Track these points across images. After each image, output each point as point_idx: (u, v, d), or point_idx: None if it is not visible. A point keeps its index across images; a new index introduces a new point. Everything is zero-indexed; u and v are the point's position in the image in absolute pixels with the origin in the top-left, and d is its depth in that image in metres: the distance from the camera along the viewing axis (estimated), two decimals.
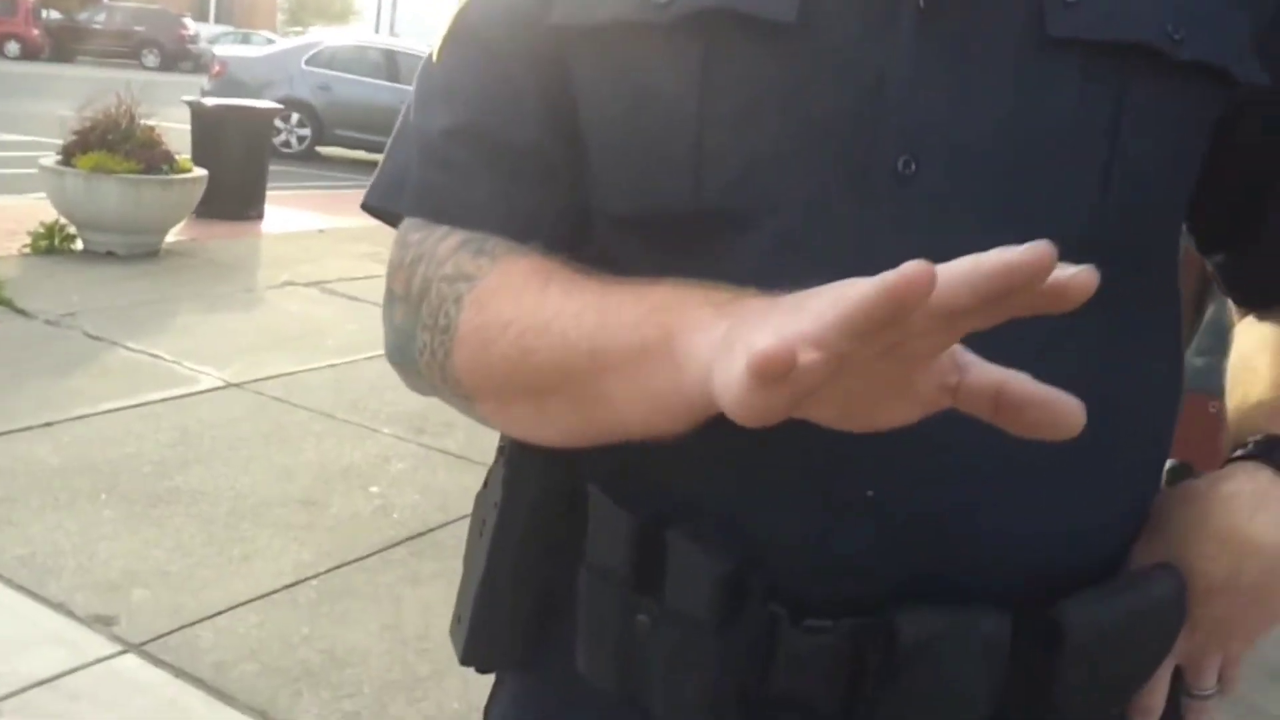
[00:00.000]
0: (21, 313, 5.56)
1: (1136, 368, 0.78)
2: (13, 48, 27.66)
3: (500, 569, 0.84)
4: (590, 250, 0.78)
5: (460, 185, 0.79)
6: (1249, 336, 0.92)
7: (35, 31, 28.31)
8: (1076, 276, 0.52)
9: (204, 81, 14.30)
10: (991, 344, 0.70)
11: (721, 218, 0.72)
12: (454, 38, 0.82)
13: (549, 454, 0.78)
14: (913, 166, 0.70)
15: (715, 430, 0.67)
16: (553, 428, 0.75)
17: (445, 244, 0.78)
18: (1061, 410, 0.54)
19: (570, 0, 0.76)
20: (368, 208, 0.84)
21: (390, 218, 0.83)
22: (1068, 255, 0.70)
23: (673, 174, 0.73)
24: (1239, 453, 0.81)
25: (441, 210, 0.79)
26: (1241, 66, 0.75)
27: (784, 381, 0.50)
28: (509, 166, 0.79)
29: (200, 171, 7.31)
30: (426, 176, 0.80)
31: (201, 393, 4.69)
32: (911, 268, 0.47)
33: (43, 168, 6.93)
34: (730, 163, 0.72)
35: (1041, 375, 0.71)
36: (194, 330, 5.54)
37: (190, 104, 8.51)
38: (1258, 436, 0.81)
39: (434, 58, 0.83)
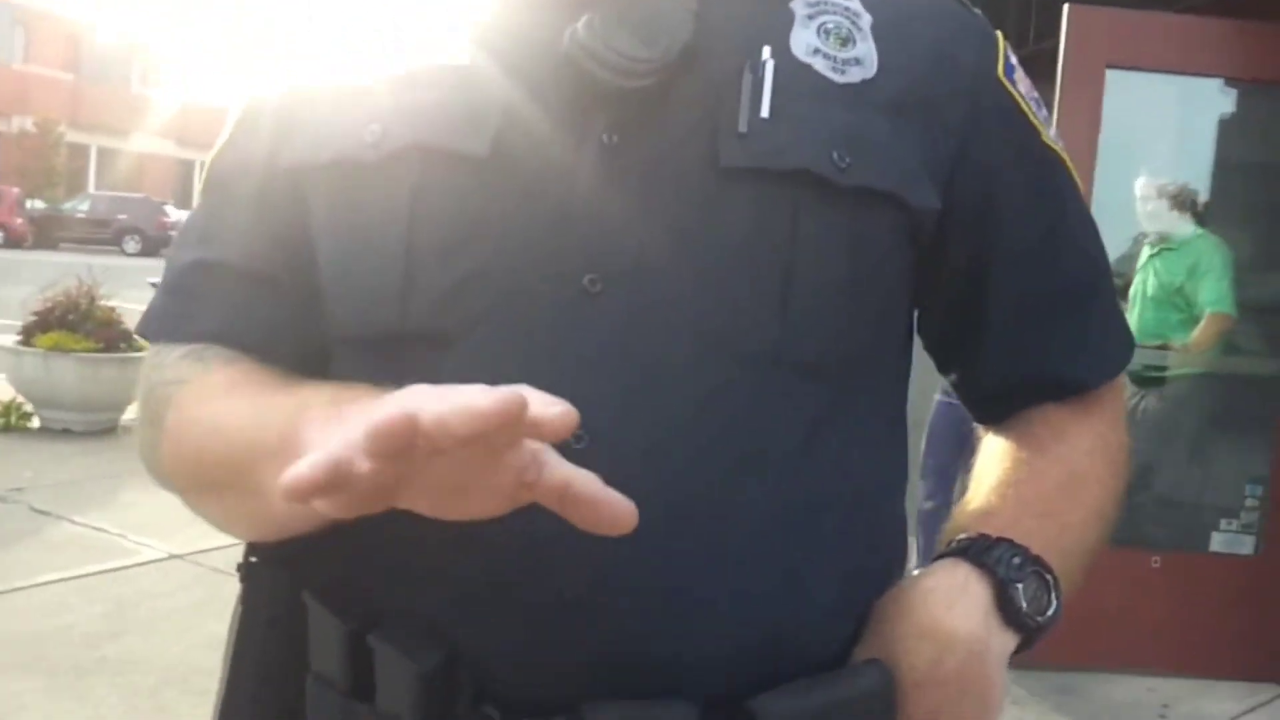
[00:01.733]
0: None
1: (839, 479, 0.82)
2: None
3: (239, 682, 0.87)
4: (330, 373, 0.84)
5: (192, 309, 0.87)
6: (983, 454, 0.97)
7: (19, 221, 28.86)
8: (559, 416, 0.58)
9: None
10: (693, 448, 0.78)
11: (425, 339, 0.78)
12: (206, 185, 0.91)
13: (276, 567, 0.83)
14: (599, 285, 0.76)
15: (414, 537, 0.72)
16: (234, 519, 0.81)
17: (173, 354, 0.86)
18: (614, 509, 0.60)
19: (300, 142, 0.84)
20: (137, 335, 0.93)
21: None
22: (757, 369, 0.78)
23: (383, 299, 0.79)
24: (941, 551, 0.85)
25: (174, 331, 0.87)
26: (912, 192, 0.82)
27: (335, 489, 0.56)
28: (240, 294, 0.86)
29: None
30: (166, 303, 0.89)
31: (142, 564, 4.69)
32: (390, 417, 0.54)
33: (0, 348, 7.03)
34: (433, 288, 0.78)
35: (736, 486, 0.79)
36: (142, 505, 5.52)
37: (155, 285, 8.65)
38: (962, 535, 0.85)
39: (197, 202, 0.92)
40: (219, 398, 0.80)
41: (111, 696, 3.43)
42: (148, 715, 3.34)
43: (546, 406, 0.58)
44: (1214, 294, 4.21)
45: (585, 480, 0.60)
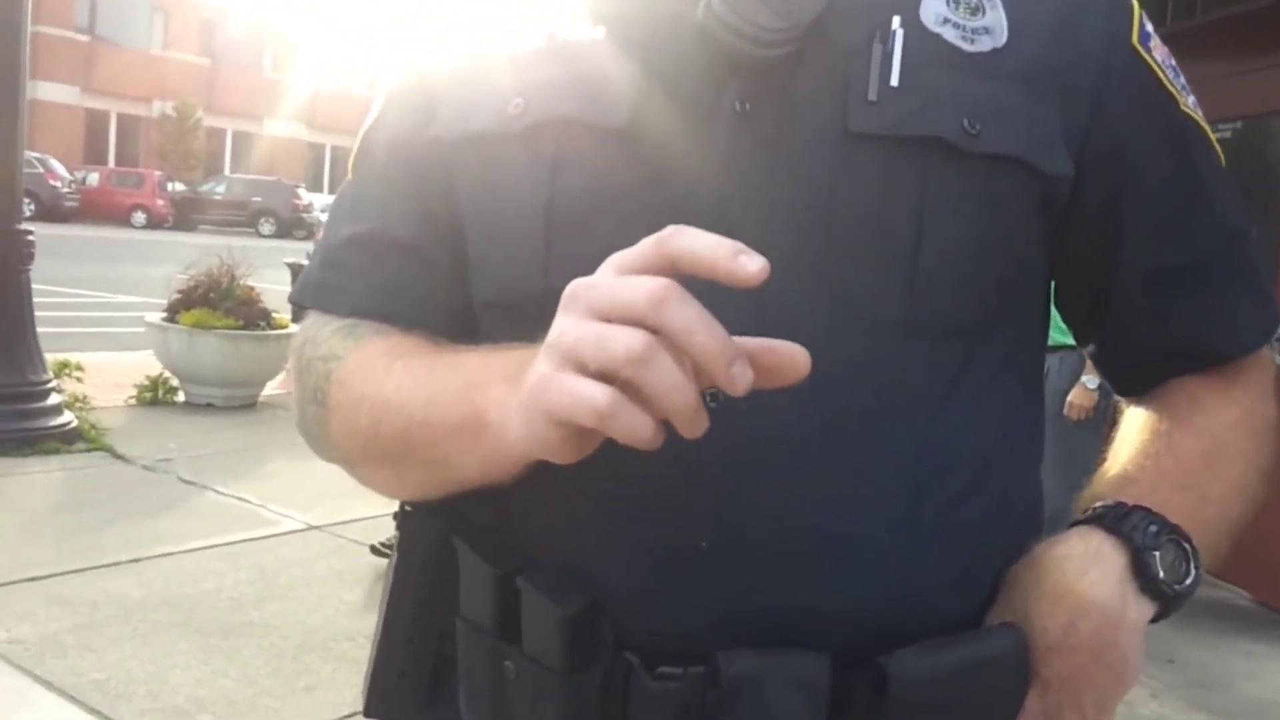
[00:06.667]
0: (121, 458, 5.86)
1: (970, 440, 0.83)
2: (139, 217, 29.33)
3: (395, 624, 0.91)
4: (474, 337, 0.88)
5: (346, 281, 0.92)
6: (1124, 425, 0.97)
7: (160, 202, 29.97)
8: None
9: (310, 246, 15.05)
10: (825, 410, 0.80)
11: None
12: (358, 159, 0.96)
13: (432, 516, 0.88)
14: None
15: (561, 488, 0.77)
16: (412, 484, 0.86)
17: (326, 329, 0.91)
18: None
19: (447, 116, 0.89)
20: (290, 301, 0.99)
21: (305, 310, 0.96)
22: (887, 332, 0.81)
23: (527, 264, 0.84)
24: (1077, 518, 0.86)
25: (329, 303, 0.93)
26: (1043, 158, 0.82)
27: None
28: (390, 266, 0.91)
29: (296, 328, 7.62)
30: (323, 277, 0.94)
31: (283, 534, 4.87)
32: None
33: (149, 324, 7.33)
34: (575, 252, 0.80)
35: (871, 442, 0.80)
36: (282, 477, 5.74)
37: (290, 265, 8.92)
38: (1098, 503, 0.86)
39: (349, 176, 0.97)
40: (381, 373, 0.84)
41: (257, 658, 3.58)
42: (291, 677, 3.48)
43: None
44: None
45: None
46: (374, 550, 4.40)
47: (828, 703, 0.76)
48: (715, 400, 0.74)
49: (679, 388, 0.63)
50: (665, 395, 0.63)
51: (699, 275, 0.64)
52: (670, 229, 0.65)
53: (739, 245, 0.64)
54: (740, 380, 0.63)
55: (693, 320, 0.63)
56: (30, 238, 6.04)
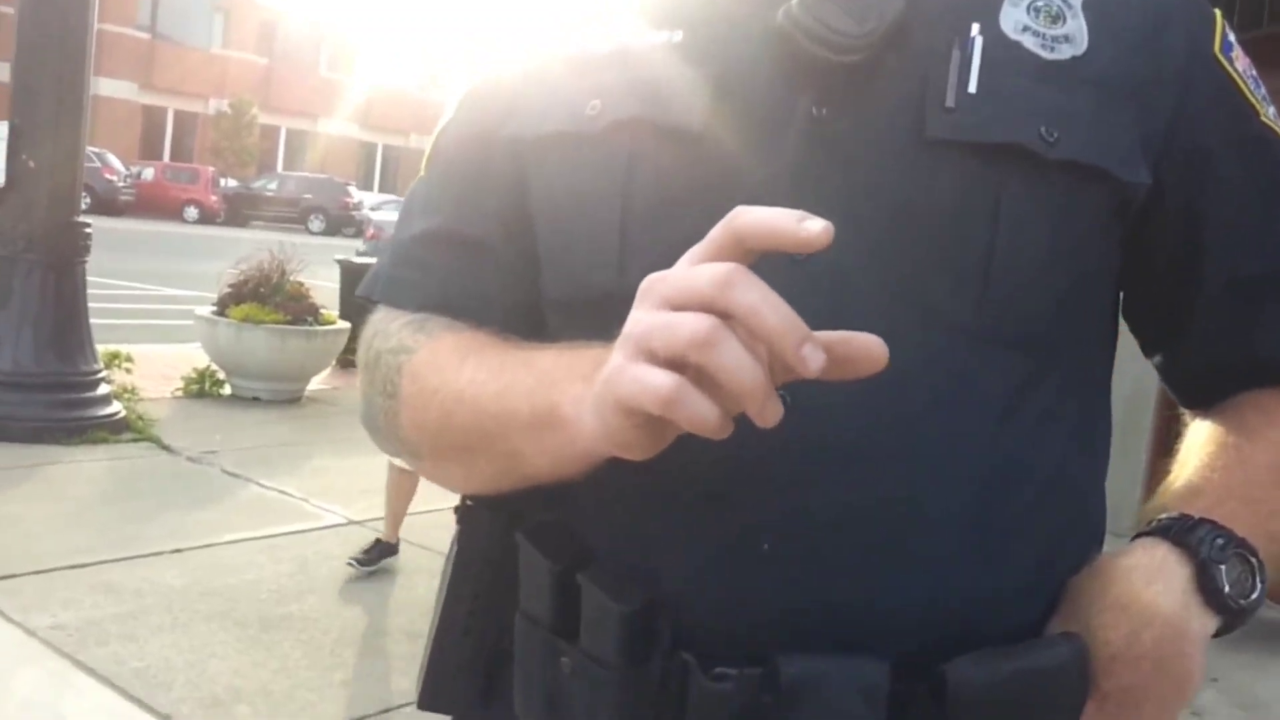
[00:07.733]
0: (167, 449, 5.92)
1: (1038, 452, 0.83)
2: (192, 212, 29.72)
3: (452, 618, 0.92)
4: (544, 336, 0.88)
5: (416, 276, 0.93)
6: (1189, 438, 0.96)
7: (213, 198, 30.33)
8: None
9: (359, 244, 15.19)
10: (894, 411, 0.79)
11: None
12: (431, 157, 0.97)
13: (493, 511, 0.88)
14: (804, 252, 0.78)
15: (623, 487, 0.77)
16: (479, 478, 0.86)
17: (396, 322, 0.91)
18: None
19: (524, 116, 0.89)
20: (358, 296, 0.99)
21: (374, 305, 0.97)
22: (959, 338, 0.80)
23: (601, 261, 0.84)
24: (1142, 530, 0.85)
25: (401, 298, 0.93)
26: (1121, 166, 0.82)
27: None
28: (460, 262, 0.91)
29: (344, 324, 7.66)
30: (394, 272, 0.95)
31: (324, 528, 4.90)
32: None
33: (197, 317, 7.40)
34: (649, 251, 0.80)
35: (938, 446, 0.79)
36: (325, 471, 5.79)
37: (340, 262, 9.00)
38: (1164, 515, 0.85)
39: (421, 173, 0.98)
40: (453, 366, 0.85)
41: (295, 651, 3.60)
42: (327, 670, 3.50)
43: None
44: None
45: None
46: (351, 564, 4.36)
47: (886, 708, 0.75)
48: (785, 396, 0.73)
49: (747, 370, 0.61)
50: (732, 378, 0.61)
51: (768, 247, 0.64)
52: (736, 209, 0.65)
53: (802, 213, 0.62)
54: (812, 361, 0.61)
55: (759, 301, 0.62)
56: (87, 230, 6.13)
